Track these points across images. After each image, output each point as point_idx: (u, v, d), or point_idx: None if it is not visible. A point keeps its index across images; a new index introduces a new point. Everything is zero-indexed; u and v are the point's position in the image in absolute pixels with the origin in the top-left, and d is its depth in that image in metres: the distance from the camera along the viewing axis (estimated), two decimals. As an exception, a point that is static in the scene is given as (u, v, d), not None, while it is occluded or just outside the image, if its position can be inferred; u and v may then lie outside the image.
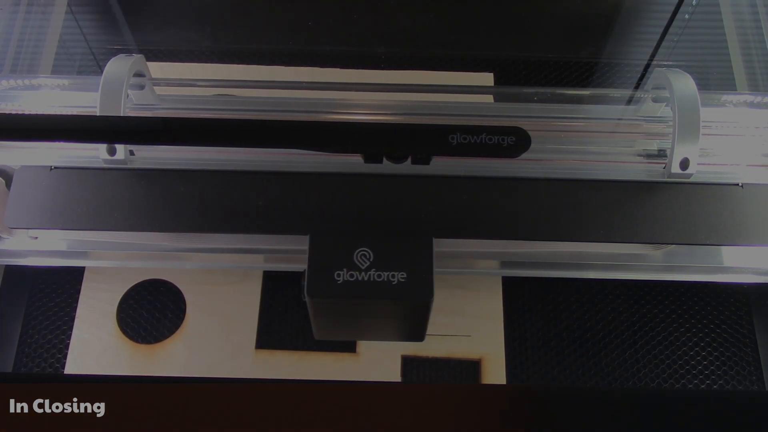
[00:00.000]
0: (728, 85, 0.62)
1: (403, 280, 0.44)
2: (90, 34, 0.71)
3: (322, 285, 0.44)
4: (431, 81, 0.69)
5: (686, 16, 0.70)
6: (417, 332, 0.51)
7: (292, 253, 0.54)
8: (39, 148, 0.50)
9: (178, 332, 0.59)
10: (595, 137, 0.51)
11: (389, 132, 0.40)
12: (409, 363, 0.59)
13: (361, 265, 0.45)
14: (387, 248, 0.45)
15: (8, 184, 0.50)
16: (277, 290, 0.61)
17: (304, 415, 0.42)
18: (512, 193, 0.49)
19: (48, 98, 0.51)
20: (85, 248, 0.54)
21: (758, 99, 0.51)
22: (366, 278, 0.44)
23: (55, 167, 0.49)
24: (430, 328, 0.59)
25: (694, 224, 0.48)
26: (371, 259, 0.45)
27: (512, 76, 0.70)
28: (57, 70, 0.65)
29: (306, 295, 0.44)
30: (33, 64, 0.63)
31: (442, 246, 0.53)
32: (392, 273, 0.44)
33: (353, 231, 0.46)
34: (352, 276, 0.44)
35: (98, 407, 0.42)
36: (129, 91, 0.49)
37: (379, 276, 0.44)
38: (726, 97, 0.51)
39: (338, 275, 0.44)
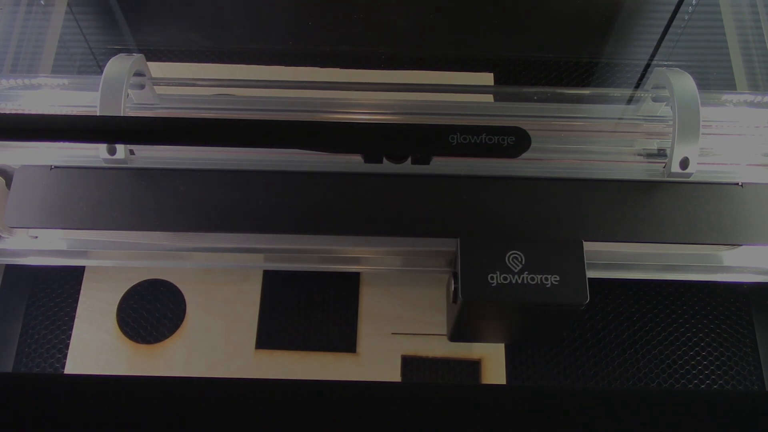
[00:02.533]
0: (728, 84, 0.62)
1: (556, 282, 0.45)
2: (90, 34, 0.71)
3: (477, 287, 0.45)
4: (431, 81, 0.69)
5: (686, 17, 0.70)
6: (558, 334, 0.52)
7: (291, 252, 0.54)
8: (39, 147, 0.50)
9: (178, 332, 0.59)
10: (595, 137, 0.51)
11: (389, 132, 0.40)
12: (409, 363, 0.59)
13: (513, 268, 0.45)
14: (538, 251, 0.46)
15: (8, 184, 0.50)
16: (278, 290, 0.61)
17: (304, 415, 0.42)
18: (512, 193, 0.49)
19: (48, 98, 0.51)
20: (85, 248, 0.54)
21: (758, 98, 0.52)
22: (519, 281, 0.45)
23: (55, 167, 0.49)
24: (430, 328, 0.60)
25: (694, 223, 0.48)
26: (523, 262, 0.45)
27: (512, 76, 0.70)
28: (57, 70, 0.65)
29: (461, 296, 0.45)
30: (33, 63, 0.63)
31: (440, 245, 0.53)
32: (545, 276, 0.45)
33: (501, 235, 0.47)
34: (505, 279, 0.45)
35: (98, 407, 0.42)
36: (129, 91, 0.49)
37: (533, 279, 0.45)
38: (726, 97, 0.51)
39: (492, 278, 0.45)
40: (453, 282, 0.48)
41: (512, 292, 0.45)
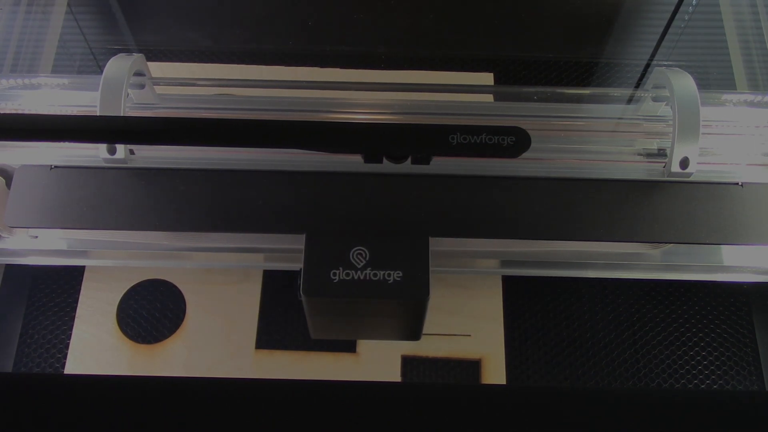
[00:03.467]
0: (728, 84, 0.62)
1: (399, 278, 0.44)
2: (90, 34, 0.71)
3: (318, 284, 0.44)
4: (431, 81, 0.69)
5: (686, 17, 0.70)
6: (413, 331, 0.51)
7: (291, 252, 0.54)
8: (39, 147, 0.50)
9: (178, 332, 0.59)
10: (595, 136, 0.51)
11: (389, 132, 0.40)
12: (409, 363, 0.59)
13: (357, 264, 0.45)
14: (383, 247, 0.45)
15: (8, 183, 0.50)
16: (277, 290, 0.61)
17: (304, 415, 0.42)
18: (511, 192, 0.49)
19: (48, 97, 0.51)
20: (85, 247, 0.54)
21: (758, 98, 0.52)
22: (362, 277, 0.44)
23: (55, 166, 0.49)
24: (430, 328, 0.60)
25: (694, 223, 0.48)
26: (367, 258, 0.45)
27: (512, 76, 0.70)
28: (57, 70, 0.65)
29: (301, 293, 0.45)
30: (33, 63, 0.63)
31: (441, 245, 0.53)
32: (388, 272, 0.45)
33: (349, 230, 0.46)
34: (348, 275, 0.44)
35: (98, 407, 0.42)
36: (129, 91, 0.49)
37: (375, 275, 0.44)
38: (726, 97, 0.51)
39: (334, 274, 0.44)
40: (297, 279, 0.47)
41: (353, 289, 0.44)
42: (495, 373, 0.58)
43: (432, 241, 0.46)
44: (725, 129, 0.50)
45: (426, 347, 0.59)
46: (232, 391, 0.44)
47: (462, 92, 0.55)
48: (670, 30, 0.70)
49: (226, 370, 0.58)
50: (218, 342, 0.59)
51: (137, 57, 0.49)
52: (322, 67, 0.69)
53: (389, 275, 0.44)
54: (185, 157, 0.50)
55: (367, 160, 0.45)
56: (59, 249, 0.54)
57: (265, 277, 0.61)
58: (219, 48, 0.71)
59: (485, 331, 0.60)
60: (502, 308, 0.61)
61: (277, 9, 0.73)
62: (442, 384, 0.57)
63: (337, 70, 0.69)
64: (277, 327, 0.60)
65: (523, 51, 0.72)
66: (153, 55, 0.70)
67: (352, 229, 0.46)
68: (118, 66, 0.48)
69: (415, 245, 0.45)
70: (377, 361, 0.59)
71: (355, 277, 0.44)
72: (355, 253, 0.45)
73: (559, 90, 0.53)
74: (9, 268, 0.62)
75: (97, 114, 0.47)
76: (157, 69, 0.68)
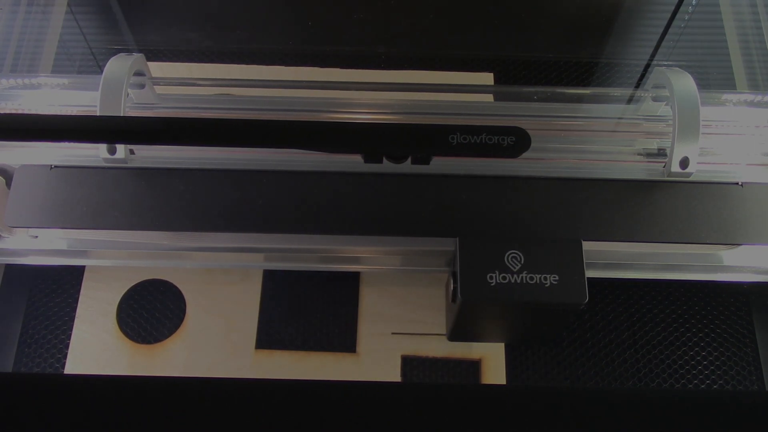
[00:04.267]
0: (728, 84, 0.62)
1: (555, 282, 0.45)
2: (90, 34, 0.71)
3: (476, 287, 0.45)
4: (431, 81, 0.69)
5: (686, 16, 0.70)
6: (554, 334, 0.52)
7: (291, 252, 0.54)
8: (39, 147, 0.50)
9: (178, 332, 0.59)
10: (595, 136, 0.51)
11: (389, 132, 0.40)
12: (409, 363, 0.59)
13: (512, 268, 0.45)
14: (537, 251, 0.46)
15: (8, 183, 0.50)
16: (277, 290, 0.61)
17: (304, 415, 0.42)
18: (511, 192, 0.49)
19: (48, 97, 0.52)
20: (85, 247, 0.54)
21: (758, 98, 0.52)
22: (518, 281, 0.45)
23: (55, 166, 0.49)
24: (430, 328, 0.60)
25: (694, 223, 0.48)
26: (522, 262, 0.45)
27: (512, 76, 0.70)
28: (57, 70, 0.65)
29: (459, 296, 0.45)
30: (33, 64, 0.63)
31: (439, 245, 0.53)
32: (544, 275, 0.45)
33: (500, 234, 0.47)
34: (504, 278, 0.45)
35: (98, 407, 0.42)
36: (129, 90, 0.49)
37: (532, 278, 0.45)
38: (726, 96, 0.51)
39: (491, 278, 0.45)
40: (452, 281, 0.47)
41: (511, 292, 0.45)
42: (495, 373, 0.58)
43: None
44: (725, 129, 0.50)
45: (426, 347, 0.59)
46: (232, 391, 0.44)
47: (462, 92, 0.55)
48: (670, 30, 0.70)
49: (226, 370, 0.58)
50: (218, 342, 0.59)
51: (137, 57, 0.49)
52: (322, 67, 0.69)
53: (545, 279, 0.45)
54: (185, 157, 0.50)
55: (367, 160, 0.45)
56: (59, 249, 0.54)
57: (265, 277, 0.61)
58: (219, 48, 0.71)
59: (485, 331, 0.60)
60: (502, 308, 0.61)
61: (277, 9, 0.73)
62: (442, 384, 0.57)
63: (337, 70, 0.69)
64: (277, 327, 0.60)
65: (523, 51, 0.72)
66: (153, 55, 0.70)
67: (504, 233, 0.47)
68: (118, 66, 0.48)
69: (569, 249, 0.46)
70: (377, 361, 0.59)
71: (512, 281, 0.45)
72: (510, 257, 0.46)
73: (559, 90, 0.53)
74: (9, 268, 0.62)
75: (97, 114, 0.47)
76: (157, 69, 0.68)
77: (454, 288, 0.46)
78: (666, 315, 0.61)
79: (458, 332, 0.54)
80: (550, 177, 0.49)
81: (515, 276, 0.45)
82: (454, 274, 0.47)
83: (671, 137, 0.47)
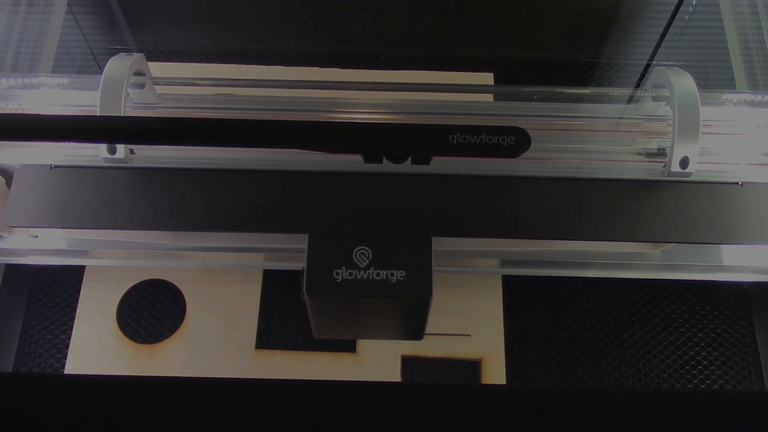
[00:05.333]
0: (728, 84, 0.62)
1: (402, 278, 0.44)
2: (90, 34, 0.71)
3: (322, 283, 0.44)
4: (431, 81, 0.69)
5: (686, 17, 0.70)
6: (416, 330, 0.51)
7: (292, 251, 0.54)
8: (39, 146, 0.50)
9: (178, 332, 0.59)
10: (595, 136, 0.51)
11: (389, 132, 0.40)
12: (409, 363, 0.59)
13: (360, 264, 0.45)
14: (386, 247, 0.45)
15: (8, 183, 0.50)
16: (278, 290, 0.61)
17: (304, 415, 0.42)
18: (512, 192, 0.49)
19: (48, 97, 0.52)
20: (85, 247, 0.54)
21: (758, 98, 0.52)
22: (365, 277, 0.44)
23: (56, 166, 0.49)
24: (430, 328, 0.59)
25: (694, 223, 0.48)
26: (370, 258, 0.45)
27: (512, 76, 0.70)
28: (57, 70, 0.65)
29: (305, 293, 0.44)
30: (33, 64, 0.63)
31: (441, 245, 0.53)
32: (391, 271, 0.45)
33: (352, 230, 0.46)
34: (351, 274, 0.45)
35: (98, 407, 0.42)
36: (129, 90, 0.49)
37: (378, 274, 0.45)
38: (726, 96, 0.51)
39: (337, 273, 0.44)
40: (301, 278, 0.47)
41: (356, 288, 0.44)
42: (495, 373, 0.58)
43: (433, 240, 0.46)
44: (725, 129, 0.50)
45: (426, 347, 0.59)
46: (232, 391, 0.43)
47: (462, 92, 0.55)
48: (670, 30, 0.70)
49: (226, 370, 0.58)
50: (218, 342, 0.59)
51: (137, 57, 0.49)
52: (322, 67, 0.69)
53: (392, 275, 0.45)
54: (185, 156, 0.50)
55: (367, 160, 0.45)
56: (59, 249, 0.54)
57: (265, 277, 0.61)
58: (219, 48, 0.71)
59: (485, 331, 0.60)
60: (502, 308, 0.61)
61: (277, 9, 0.73)
62: (442, 384, 0.57)
63: (337, 70, 0.69)
64: (277, 327, 0.60)
65: (523, 51, 0.72)
66: (153, 55, 0.70)
67: (355, 228, 0.46)
68: (118, 66, 0.48)
69: (417, 245, 0.46)
70: (377, 361, 0.59)
71: (359, 277, 0.44)
72: (358, 253, 0.45)
73: (559, 90, 0.53)
74: (9, 267, 0.62)
75: (98, 113, 0.47)
76: (157, 69, 0.68)
77: (301, 284, 0.46)
78: (666, 315, 0.61)
79: (318, 329, 0.53)
80: (550, 177, 0.49)
81: (362, 272, 0.45)
82: (302, 271, 0.46)
83: (671, 137, 0.47)
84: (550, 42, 0.73)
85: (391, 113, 0.51)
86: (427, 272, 0.45)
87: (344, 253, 0.45)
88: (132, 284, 0.61)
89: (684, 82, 0.48)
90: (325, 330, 0.54)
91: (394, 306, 0.46)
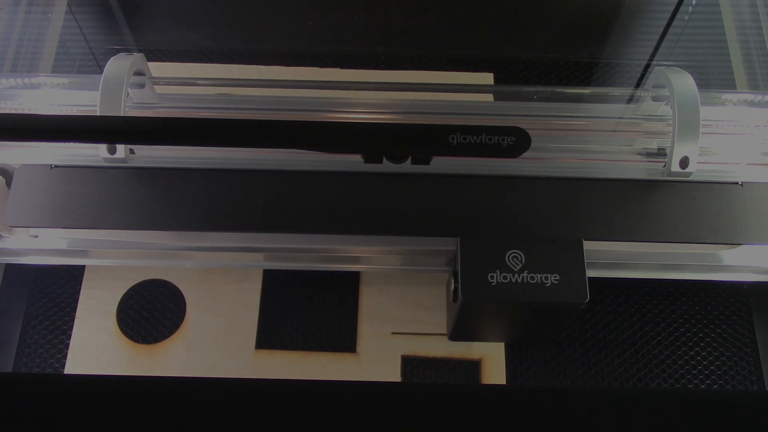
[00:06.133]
0: (728, 84, 0.62)
1: (556, 282, 0.45)
2: (90, 34, 0.71)
3: (477, 286, 0.45)
4: (431, 81, 0.69)
5: (686, 17, 0.70)
6: (556, 332, 0.52)
7: (291, 251, 0.54)
8: (39, 146, 0.50)
9: (178, 332, 0.59)
10: (595, 136, 0.51)
11: (389, 132, 0.40)
12: (409, 363, 0.59)
13: (513, 267, 0.45)
14: (538, 251, 0.46)
15: (8, 183, 0.50)
16: (277, 290, 0.61)
17: (304, 415, 0.42)
18: (511, 192, 0.49)
19: (48, 97, 0.52)
20: (85, 247, 0.54)
21: (758, 98, 0.52)
22: (519, 280, 0.45)
23: (56, 166, 0.49)
24: (430, 328, 0.59)
25: (694, 223, 0.48)
26: (523, 261, 0.45)
27: (512, 76, 0.70)
28: (57, 70, 0.65)
29: (461, 296, 0.45)
30: (33, 64, 0.63)
31: (440, 245, 0.53)
32: (545, 275, 0.45)
33: (502, 234, 0.47)
34: (505, 278, 0.45)
35: (98, 407, 0.42)
36: (129, 90, 0.49)
37: (533, 278, 0.45)
38: (726, 96, 0.51)
39: (492, 277, 0.45)
40: (453, 281, 0.47)
41: (512, 291, 0.45)
42: (495, 373, 0.58)
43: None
44: (725, 128, 0.50)
45: (426, 347, 0.59)
46: (232, 391, 0.44)
47: (462, 92, 0.55)
48: (670, 30, 0.71)
49: (226, 370, 0.58)
50: (218, 342, 0.59)
51: (137, 56, 0.49)
52: (322, 67, 0.69)
53: (547, 278, 0.45)
54: (185, 156, 0.50)
55: (367, 160, 0.45)
56: (59, 248, 0.54)
57: (265, 277, 0.61)
58: (219, 48, 0.71)
59: (485, 331, 0.60)
60: (502, 308, 0.61)
61: (277, 9, 0.73)
62: (442, 384, 0.57)
63: (337, 70, 0.69)
64: (277, 327, 0.60)
65: (523, 51, 0.72)
66: (153, 55, 0.70)
67: (505, 233, 0.47)
68: (118, 65, 0.48)
69: (570, 248, 0.46)
70: (377, 361, 0.59)
71: (513, 280, 0.45)
72: (511, 256, 0.46)
73: (559, 90, 0.53)
74: (9, 267, 0.62)
75: (98, 113, 0.47)
76: (157, 69, 0.68)
77: (455, 288, 0.46)
78: (666, 315, 0.61)
79: (459, 332, 0.54)
80: (550, 177, 0.49)
81: (516, 275, 0.45)
82: (455, 274, 0.47)
83: (671, 137, 0.47)
84: (550, 42, 0.73)
85: (391, 113, 0.51)
86: (582, 276, 0.45)
87: (498, 256, 0.46)
88: (132, 284, 0.61)
89: (684, 82, 0.48)
90: (467, 333, 0.55)
91: (546, 310, 0.47)
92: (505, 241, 0.46)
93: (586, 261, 0.46)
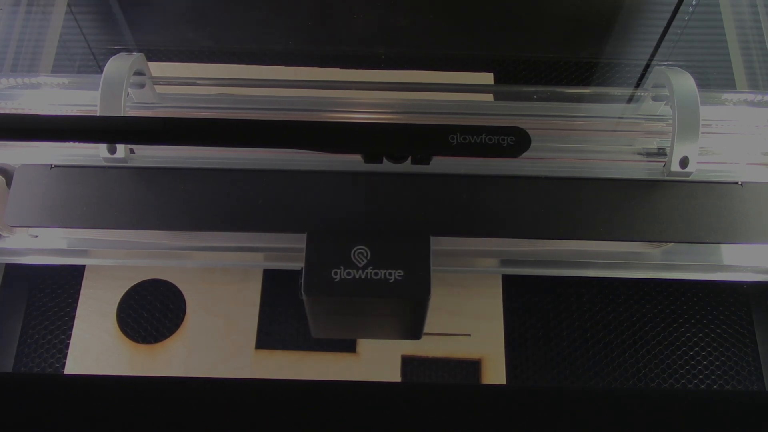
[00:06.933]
0: (728, 83, 0.62)
1: (400, 278, 0.44)
2: (90, 34, 0.71)
3: (319, 283, 0.44)
4: (431, 81, 0.69)
5: (686, 17, 0.70)
6: (415, 330, 0.51)
7: (292, 251, 0.54)
8: (39, 146, 0.50)
9: (178, 332, 0.59)
10: (595, 136, 0.51)
11: (389, 132, 0.40)
12: (409, 363, 0.59)
13: (358, 263, 0.45)
14: (384, 246, 0.45)
15: (8, 183, 0.50)
16: (277, 290, 0.61)
17: (304, 415, 0.42)
18: (511, 192, 0.49)
19: (48, 97, 0.52)
20: (85, 246, 0.54)
21: (758, 97, 0.52)
22: (363, 276, 0.44)
23: (56, 165, 0.49)
24: (430, 328, 0.59)
25: (694, 222, 0.48)
26: (368, 257, 0.45)
27: (512, 76, 0.70)
28: (57, 70, 0.65)
29: (303, 292, 0.45)
30: (33, 64, 0.63)
31: (441, 245, 0.53)
32: (389, 271, 0.45)
33: (350, 229, 0.46)
34: (349, 274, 0.44)
35: (98, 407, 0.42)
36: (129, 90, 0.49)
37: (376, 274, 0.44)
38: (726, 96, 0.51)
39: (335, 273, 0.44)
40: (299, 278, 0.47)
41: (354, 288, 0.44)
42: (495, 373, 0.58)
43: (432, 240, 0.46)
44: (725, 128, 0.50)
45: (426, 347, 0.59)
46: (232, 391, 0.44)
47: (462, 92, 0.55)
48: (670, 30, 0.71)
49: (226, 370, 0.58)
50: (218, 342, 0.59)
51: (137, 56, 0.49)
52: (322, 67, 0.69)
53: (390, 274, 0.44)
54: (185, 156, 0.50)
55: (367, 160, 0.45)
56: (59, 248, 0.54)
57: (265, 277, 0.61)
58: (219, 48, 0.71)
59: (485, 331, 0.60)
60: (502, 308, 0.61)
61: (277, 9, 0.73)
62: (442, 384, 0.57)
63: (337, 70, 0.69)
64: (277, 327, 0.60)
65: (523, 51, 0.72)
66: (153, 55, 0.70)
67: (353, 228, 0.46)
68: (119, 65, 0.48)
69: (416, 244, 0.45)
70: (377, 361, 0.59)
71: (357, 276, 0.44)
72: (356, 252, 0.45)
73: (559, 89, 0.53)
74: (9, 267, 0.62)
75: (98, 113, 0.47)
76: (157, 69, 0.68)
77: (299, 284, 0.46)
78: (666, 315, 0.61)
79: (317, 329, 0.53)
80: (550, 177, 0.49)
81: (360, 272, 0.45)
82: (300, 270, 0.46)
83: (671, 136, 0.47)
84: (550, 42, 0.73)
85: (391, 113, 0.51)
86: (426, 272, 0.45)
87: (342, 252, 0.45)
88: (132, 284, 0.61)
89: (684, 82, 0.48)
90: (324, 330, 0.54)
91: (392, 306, 0.46)
92: (351, 237, 0.45)
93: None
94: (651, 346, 0.60)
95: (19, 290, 0.61)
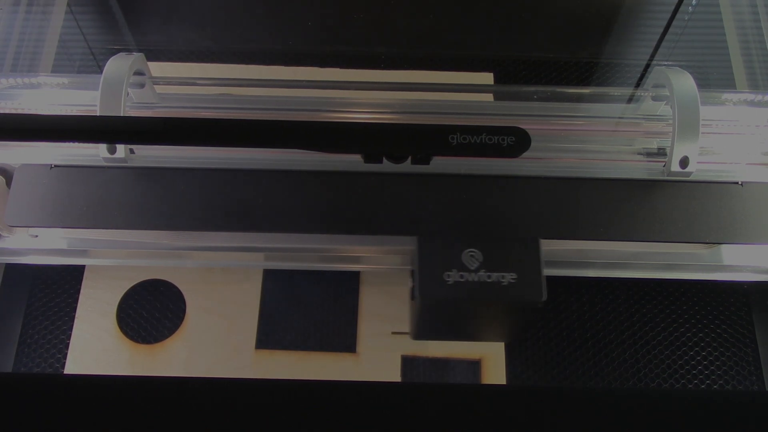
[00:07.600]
0: (728, 83, 0.62)
1: (513, 281, 0.45)
2: (90, 34, 0.71)
3: (434, 285, 0.45)
4: (431, 81, 0.69)
5: (686, 16, 0.70)
6: (518, 332, 0.52)
7: (291, 251, 0.54)
8: (39, 146, 0.50)
9: (178, 332, 0.59)
10: (595, 136, 0.51)
11: (389, 132, 0.40)
12: (409, 363, 0.59)
13: (470, 266, 0.45)
14: (496, 249, 0.46)
15: (8, 183, 0.50)
16: (277, 290, 0.61)
17: (304, 415, 0.42)
18: (511, 191, 0.49)
19: (48, 97, 0.52)
20: (85, 246, 0.54)
21: (758, 97, 0.52)
22: (476, 279, 0.45)
23: (56, 165, 0.49)
24: (431, 328, 0.59)
25: (694, 222, 0.48)
26: (481, 261, 0.45)
27: (512, 76, 0.70)
28: (57, 70, 0.65)
29: (418, 294, 0.45)
30: (33, 64, 0.63)
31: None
32: (502, 274, 0.45)
33: (460, 232, 0.47)
34: (462, 277, 0.45)
35: (98, 407, 0.42)
36: (129, 90, 0.49)
37: (489, 277, 0.45)
38: (726, 96, 0.51)
39: (448, 276, 0.45)
40: (411, 280, 0.47)
41: (467, 290, 0.45)
42: (495, 373, 0.58)
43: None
44: (725, 128, 0.50)
45: (426, 347, 0.59)
46: (232, 391, 0.44)
47: (462, 92, 0.55)
48: (670, 30, 0.71)
49: (226, 370, 0.58)
50: (218, 342, 0.59)
51: (137, 56, 0.49)
52: (322, 67, 0.69)
53: (503, 277, 0.45)
54: (185, 156, 0.50)
55: (367, 160, 0.45)
56: (59, 248, 0.54)
57: (265, 277, 0.61)
58: (219, 48, 0.71)
59: (485, 331, 0.60)
60: (502, 308, 0.61)
61: (277, 9, 0.73)
62: (442, 384, 0.57)
63: (337, 70, 0.69)
64: (277, 327, 0.60)
65: (523, 51, 0.72)
66: (153, 55, 0.70)
67: (462, 231, 0.47)
68: (118, 65, 0.48)
69: (526, 247, 0.46)
70: (377, 361, 0.59)
71: (470, 279, 0.45)
72: (468, 255, 0.46)
73: (559, 89, 0.53)
74: (9, 267, 0.62)
75: (97, 113, 0.47)
76: (157, 69, 0.68)
77: (413, 286, 0.46)
78: (666, 315, 0.61)
79: (421, 330, 0.53)
80: (550, 177, 0.49)
81: (472, 274, 0.45)
82: (412, 273, 0.47)
83: (671, 136, 0.47)
84: (550, 42, 0.73)
85: (391, 113, 0.51)
86: (538, 274, 0.45)
87: (454, 255, 0.45)
88: (132, 284, 0.61)
89: (684, 82, 0.48)
90: (427, 332, 0.54)
91: (504, 308, 0.47)
92: (461, 240, 0.46)
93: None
94: (651, 346, 0.60)
95: (19, 290, 0.61)
